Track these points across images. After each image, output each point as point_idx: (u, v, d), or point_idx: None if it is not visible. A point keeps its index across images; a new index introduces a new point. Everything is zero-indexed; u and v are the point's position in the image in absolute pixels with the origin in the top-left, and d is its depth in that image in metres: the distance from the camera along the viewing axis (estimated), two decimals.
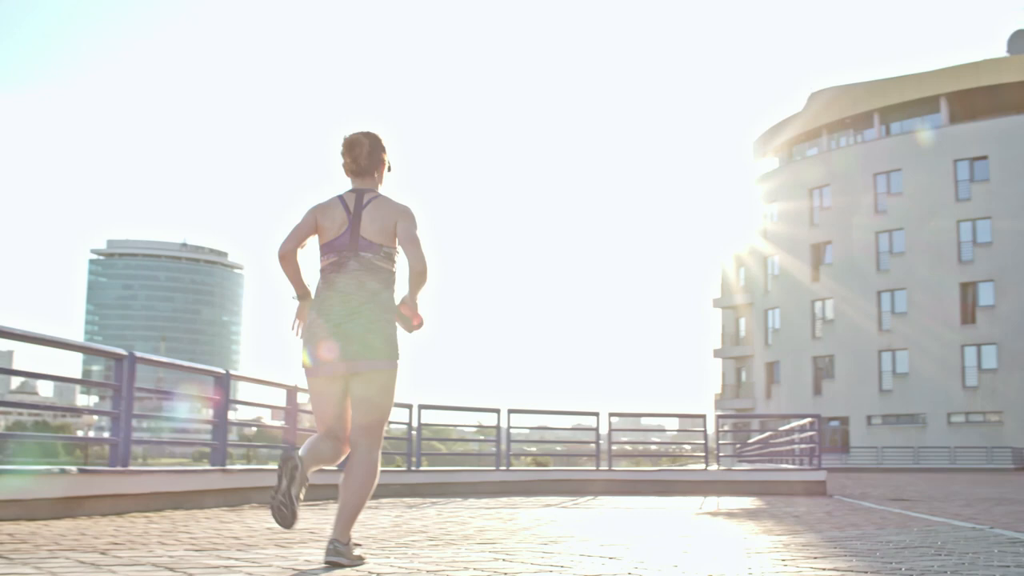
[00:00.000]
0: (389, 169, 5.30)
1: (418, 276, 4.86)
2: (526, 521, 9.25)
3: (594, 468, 19.07)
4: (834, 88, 69.90)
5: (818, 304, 66.53)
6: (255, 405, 13.80)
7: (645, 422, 66.03)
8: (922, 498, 16.23)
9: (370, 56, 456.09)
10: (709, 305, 76.36)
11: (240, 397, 12.47)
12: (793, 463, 23.42)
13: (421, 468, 17.09)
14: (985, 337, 60.02)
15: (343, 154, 5.19)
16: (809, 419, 21.03)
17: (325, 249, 5.05)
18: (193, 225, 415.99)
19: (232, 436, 11.99)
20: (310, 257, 5.12)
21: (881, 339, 63.05)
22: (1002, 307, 59.63)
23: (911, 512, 11.54)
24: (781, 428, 26.96)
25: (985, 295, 60.51)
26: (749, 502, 14.39)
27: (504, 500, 14.39)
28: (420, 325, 4.87)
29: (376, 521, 8.81)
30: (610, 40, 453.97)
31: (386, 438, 30.38)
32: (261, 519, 8.55)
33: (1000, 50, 68.69)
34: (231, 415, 11.76)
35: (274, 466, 12.07)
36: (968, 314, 60.85)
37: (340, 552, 4.82)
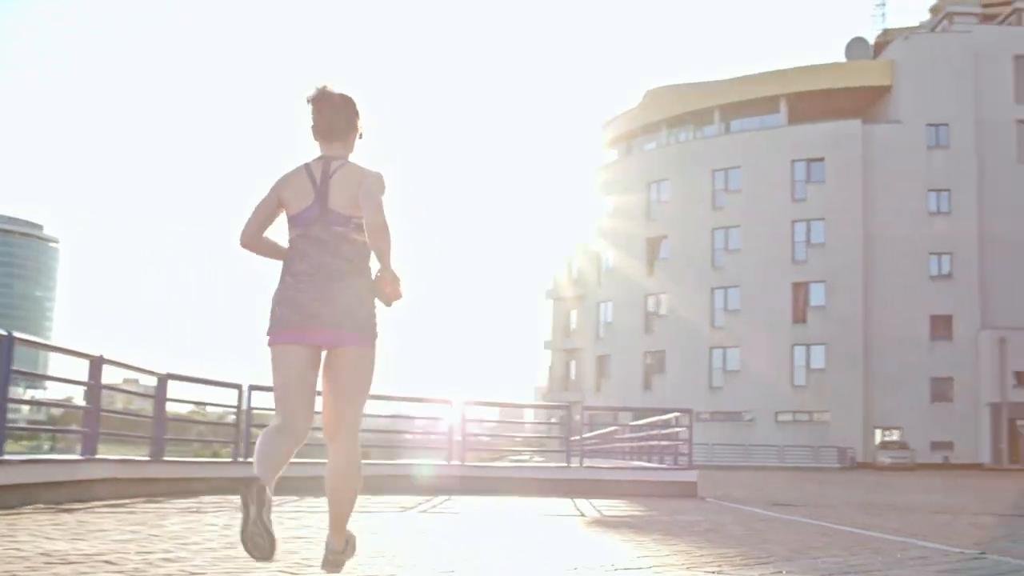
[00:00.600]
0: (361, 136, 4.78)
1: (375, 231, 4.37)
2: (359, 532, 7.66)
3: (446, 463, 17.34)
4: (670, 87, 70.03)
5: (651, 299, 66.35)
6: (41, 377, 11.52)
7: (500, 414, 64.73)
8: (802, 503, 15.44)
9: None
10: (542, 297, 75.61)
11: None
12: (651, 460, 22.25)
13: (249, 460, 15.07)
14: (815, 337, 60.71)
15: (312, 110, 4.69)
16: (676, 414, 19.90)
17: (292, 222, 4.59)
18: (6, 197, 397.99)
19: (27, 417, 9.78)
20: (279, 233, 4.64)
21: (713, 336, 63.20)
22: (832, 308, 60.41)
23: (829, 524, 10.47)
24: (635, 423, 25.74)
25: (816, 295, 61.25)
26: (625, 507, 13.01)
27: None
28: (400, 296, 4.39)
29: (199, 532, 7.00)
30: (449, 31, 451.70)
31: (213, 424, 27.63)
32: (46, 527, 6.69)
33: (839, 55, 69.72)
34: (20, 391, 9.48)
35: (72, 457, 10.55)
36: (799, 314, 61.47)
37: (339, 562, 4.64)
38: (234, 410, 14.96)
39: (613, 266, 68.41)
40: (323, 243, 4.52)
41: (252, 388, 14.79)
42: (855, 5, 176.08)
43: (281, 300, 4.49)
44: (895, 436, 58.88)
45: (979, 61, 60.94)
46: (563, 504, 13.30)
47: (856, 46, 67.63)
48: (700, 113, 67.24)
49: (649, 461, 22.17)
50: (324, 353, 4.51)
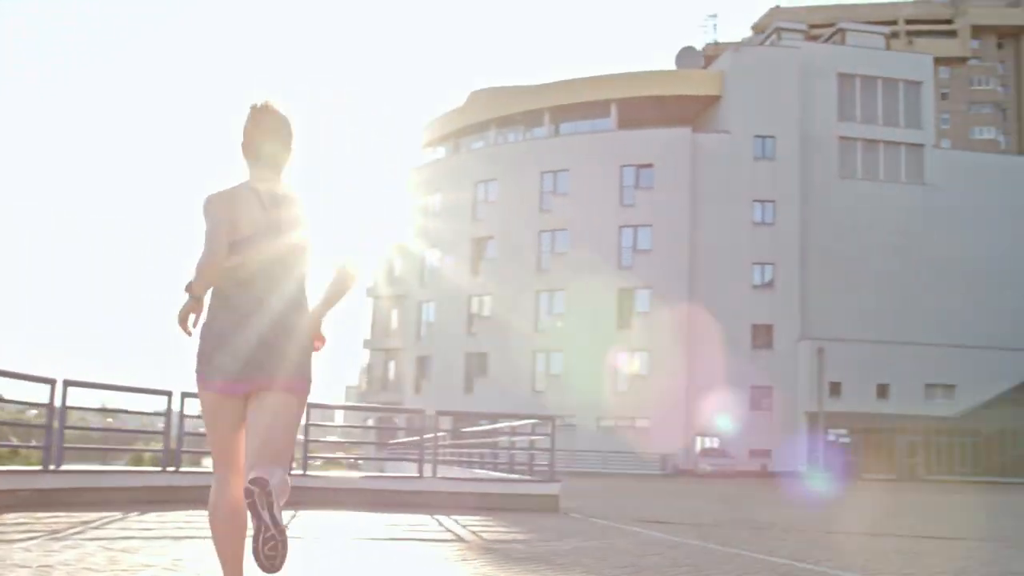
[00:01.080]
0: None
1: (349, 277, 4.29)
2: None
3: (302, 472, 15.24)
4: (498, 88, 69.14)
5: (475, 300, 64.92)
6: None
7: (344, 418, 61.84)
8: (675, 520, 14.66)
9: None
10: (362, 294, 73.22)
11: None
12: (499, 470, 20.75)
13: (63, 468, 12.53)
14: (638, 343, 60.37)
15: (258, 131, 4.33)
16: (535, 420, 18.66)
17: (233, 249, 4.15)
18: None
19: None
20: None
21: (537, 339, 62.20)
22: (656, 315, 60.18)
23: (732, 549, 9.74)
24: (472, 429, 24.37)
25: (641, 302, 60.94)
26: (492, 525, 11.99)
27: (170, 519, 10.49)
28: (322, 347, 4.28)
29: None
30: (267, 25, 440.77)
31: (18, 425, 24.43)
32: None
33: (670, 64, 70.13)
34: None
35: None
36: (624, 319, 61.05)
37: None
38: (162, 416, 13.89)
39: (437, 266, 66.70)
40: (270, 275, 4.21)
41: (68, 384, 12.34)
42: (686, 16, 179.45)
43: (220, 343, 4.13)
44: (717, 444, 59.05)
45: (806, 77, 62.02)
46: (421, 520, 12.00)
47: (686, 55, 68.11)
48: (530, 114, 66.39)
49: (494, 470, 20.79)
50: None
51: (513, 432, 20.50)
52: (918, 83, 64.07)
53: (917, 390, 59.86)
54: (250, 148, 4.35)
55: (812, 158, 61.89)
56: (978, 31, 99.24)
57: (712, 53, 70.39)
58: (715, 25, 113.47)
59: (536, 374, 62.05)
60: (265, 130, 4.33)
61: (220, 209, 4.20)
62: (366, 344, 72.60)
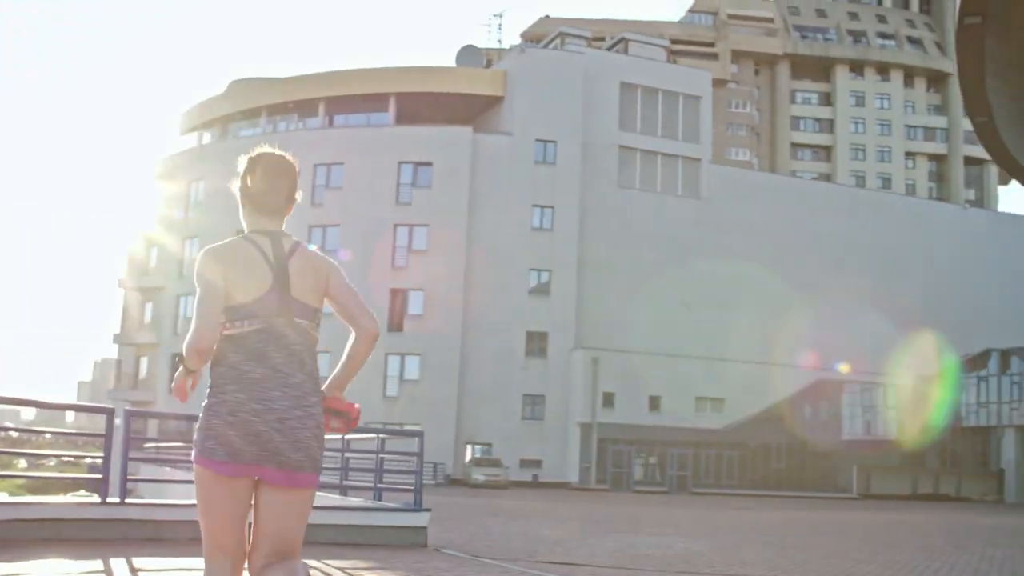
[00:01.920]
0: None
1: (370, 347, 4.18)
2: None
3: None
4: (269, 79, 65.71)
5: None
6: None
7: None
8: (573, 559, 12.39)
9: None
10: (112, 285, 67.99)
11: None
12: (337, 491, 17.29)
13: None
14: (410, 347, 58.05)
15: (264, 180, 4.02)
16: (376, 436, 16.11)
17: (241, 312, 3.83)
18: None
19: None
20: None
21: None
22: (429, 318, 58.07)
23: None
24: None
25: (415, 304, 58.68)
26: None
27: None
28: (356, 421, 4.12)
29: None
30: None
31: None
32: None
33: (451, 60, 68.23)
34: None
35: None
36: (396, 322, 58.63)
37: None
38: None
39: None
40: (286, 343, 3.89)
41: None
42: (471, 14, 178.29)
43: (232, 421, 3.69)
44: (488, 453, 57.29)
45: (589, 84, 61.28)
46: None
47: (467, 54, 66.34)
48: (304, 104, 63.13)
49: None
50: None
51: (347, 447, 17.02)
52: (697, 97, 64.43)
53: (688, 403, 59.92)
54: (257, 197, 3.98)
55: (592, 165, 61.19)
56: (737, 56, 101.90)
57: (496, 52, 68.89)
58: (500, 25, 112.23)
59: None
60: (275, 176, 4.00)
61: (216, 271, 3.78)
62: (116, 339, 67.34)
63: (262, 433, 3.72)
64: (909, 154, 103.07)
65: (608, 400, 58.49)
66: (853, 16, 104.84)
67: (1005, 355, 62.90)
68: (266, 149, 4.08)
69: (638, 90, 62.98)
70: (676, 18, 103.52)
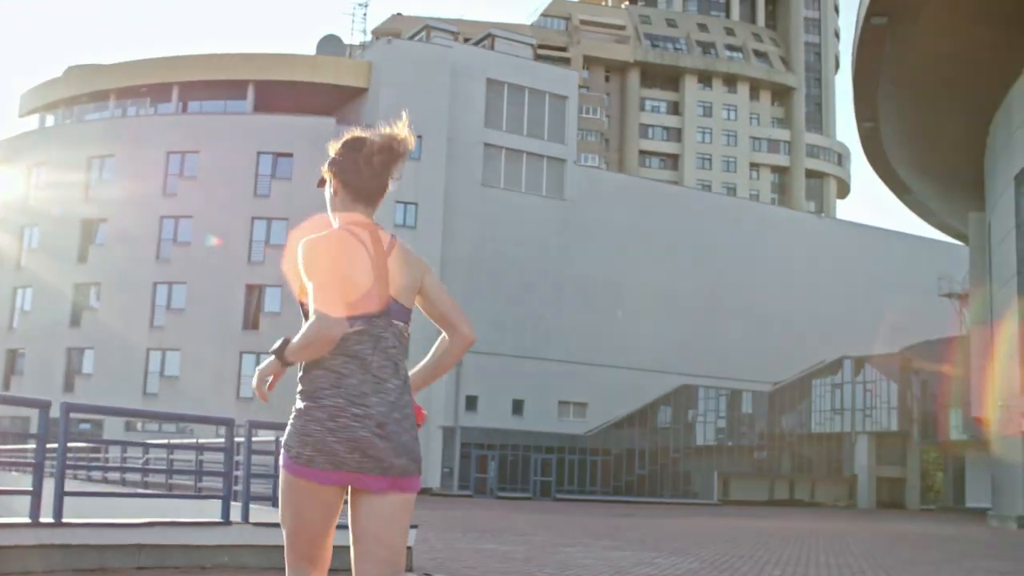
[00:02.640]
0: None
1: (462, 355, 3.76)
2: None
3: None
4: (120, 63, 62.29)
5: (84, 288, 57.30)
6: None
7: None
8: None
9: None
10: None
11: None
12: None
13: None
14: (267, 346, 55.02)
15: (379, 165, 3.82)
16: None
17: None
18: None
19: None
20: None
21: (152, 336, 55.72)
22: (288, 315, 55.54)
23: None
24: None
25: (272, 300, 56.09)
26: None
27: None
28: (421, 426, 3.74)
29: None
30: None
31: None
32: None
33: (311, 49, 65.77)
34: None
35: None
36: (251, 319, 55.98)
37: None
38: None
39: (37, 247, 58.35)
40: (384, 346, 3.52)
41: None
42: (334, 3, 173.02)
43: (333, 428, 3.38)
44: None
45: (456, 79, 59.75)
46: None
47: (329, 43, 63.97)
48: (157, 89, 59.82)
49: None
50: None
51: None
52: (564, 98, 63.50)
53: (551, 407, 58.93)
54: (365, 183, 3.75)
55: (457, 162, 59.64)
56: (589, 62, 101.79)
57: (361, 43, 66.64)
58: (365, 15, 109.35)
59: (149, 375, 55.49)
60: (393, 162, 3.79)
61: (333, 262, 3.47)
62: None
63: (364, 439, 3.41)
64: (753, 165, 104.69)
65: (471, 403, 57.08)
66: (702, 27, 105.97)
67: (858, 363, 63.82)
68: (400, 132, 3.86)
69: (504, 87, 61.72)
70: (528, 22, 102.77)
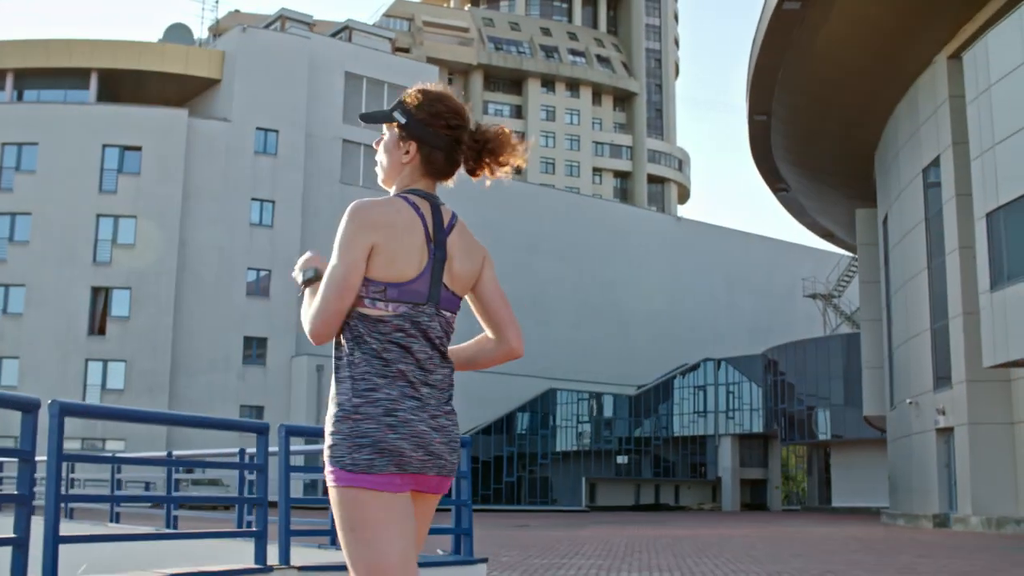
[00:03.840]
0: None
1: (501, 363, 3.43)
2: None
3: None
4: None
5: None
6: None
7: None
8: None
9: None
10: None
11: None
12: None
13: None
14: (114, 352, 51.75)
15: (459, 124, 3.24)
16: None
17: (388, 291, 3.05)
18: None
19: None
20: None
21: None
22: (138, 320, 52.01)
23: None
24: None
25: (120, 304, 52.37)
26: None
27: None
28: None
29: None
30: None
31: None
32: None
33: (158, 36, 62.06)
34: None
35: None
36: (98, 324, 52.14)
37: None
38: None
39: None
40: (431, 336, 3.10)
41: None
42: None
43: (393, 423, 2.96)
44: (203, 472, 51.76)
45: (314, 72, 57.04)
46: None
47: (176, 32, 60.47)
48: None
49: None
50: None
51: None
52: None
53: None
54: (453, 168, 3.24)
55: (315, 159, 56.96)
56: (432, 64, 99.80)
57: (214, 30, 63.29)
58: (217, 3, 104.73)
59: None
60: (464, 126, 3.21)
61: (368, 223, 2.99)
62: None
63: (424, 435, 3.00)
64: (596, 169, 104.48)
65: None
66: (545, 31, 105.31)
67: (720, 365, 63.64)
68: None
69: (363, 81, 59.27)
70: (371, 22, 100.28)
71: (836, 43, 32.85)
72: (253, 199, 54.94)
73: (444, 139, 3.17)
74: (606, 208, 75.57)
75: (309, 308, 3.04)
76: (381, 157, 3.27)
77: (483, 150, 3.23)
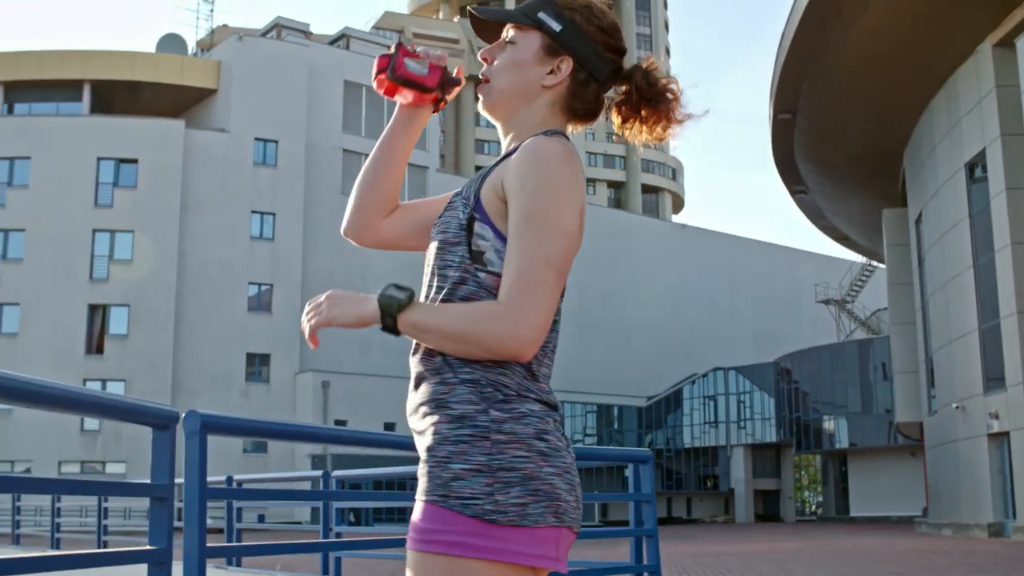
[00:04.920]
0: None
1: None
2: None
3: None
4: None
5: None
6: None
7: None
8: None
9: None
10: None
11: None
12: None
13: None
14: (114, 371, 50.19)
15: (625, 52, 2.40)
16: None
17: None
18: None
19: None
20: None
21: None
22: (137, 337, 50.46)
23: None
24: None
25: (118, 322, 50.81)
26: None
27: None
28: None
29: None
30: None
31: None
32: None
33: (150, 47, 60.61)
34: None
35: None
36: (96, 342, 50.55)
37: None
38: None
39: None
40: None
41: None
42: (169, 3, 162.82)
43: (544, 449, 2.10)
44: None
45: (313, 81, 55.72)
46: None
47: (170, 42, 59.00)
48: None
49: None
50: None
51: None
52: None
53: None
54: (597, 108, 2.38)
55: (316, 169, 55.56)
56: None
57: (208, 41, 61.84)
58: (212, 11, 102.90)
59: None
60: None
61: (582, 188, 2.19)
62: None
63: (574, 471, 2.18)
64: (590, 180, 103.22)
65: (342, 426, 52.83)
66: None
67: (730, 374, 62.40)
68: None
69: (363, 89, 57.87)
70: None
71: (871, 33, 31.58)
72: (253, 211, 53.51)
73: (609, 66, 2.33)
74: (607, 216, 74.20)
75: (473, 314, 2.09)
76: (502, 71, 2.33)
77: (652, 99, 2.35)
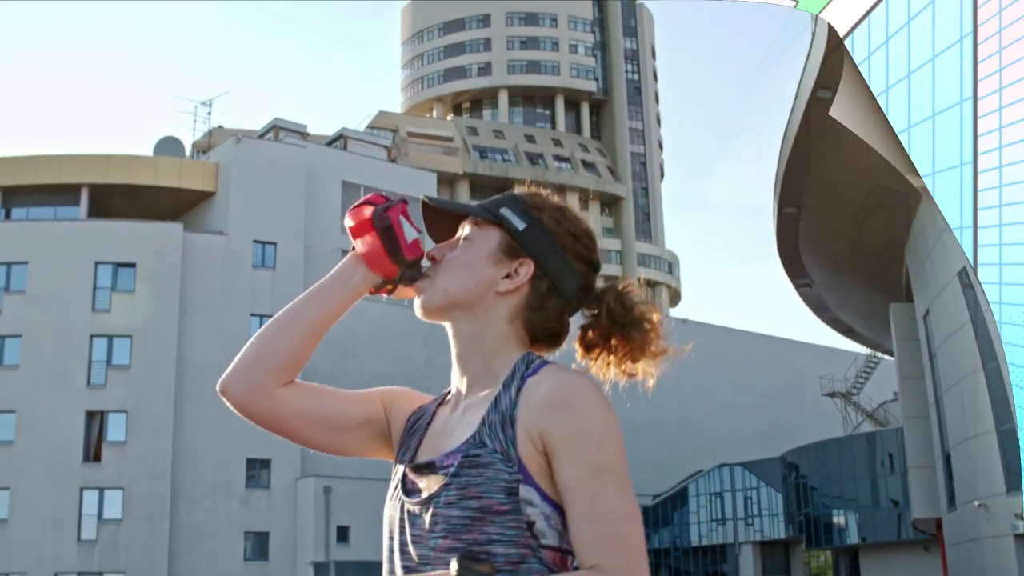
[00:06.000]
0: None
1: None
2: None
3: None
4: None
5: None
6: None
7: None
8: None
9: None
10: None
11: None
12: None
13: None
14: (111, 480, 49.15)
15: (597, 265, 2.38)
16: None
17: None
18: None
19: None
20: None
21: None
22: (135, 445, 49.55)
23: None
24: None
25: (116, 429, 49.93)
26: None
27: None
28: None
29: None
30: None
31: None
32: None
33: (147, 150, 60.62)
34: None
35: None
36: (93, 450, 49.65)
37: None
38: None
39: None
40: None
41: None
42: (171, 103, 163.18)
43: None
44: None
45: (311, 182, 55.59)
46: None
47: (167, 145, 59.00)
48: None
49: None
50: None
51: None
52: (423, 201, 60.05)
53: None
54: (574, 297, 2.24)
55: (314, 270, 55.01)
56: None
57: (205, 143, 61.93)
58: (209, 114, 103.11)
59: None
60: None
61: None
62: None
63: None
64: None
65: (343, 534, 51.64)
66: (530, 139, 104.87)
67: (735, 470, 61.60)
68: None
69: (360, 190, 57.65)
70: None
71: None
72: (252, 314, 52.90)
73: (578, 280, 2.18)
74: None
75: None
76: (450, 268, 2.17)
77: (626, 327, 2.20)
